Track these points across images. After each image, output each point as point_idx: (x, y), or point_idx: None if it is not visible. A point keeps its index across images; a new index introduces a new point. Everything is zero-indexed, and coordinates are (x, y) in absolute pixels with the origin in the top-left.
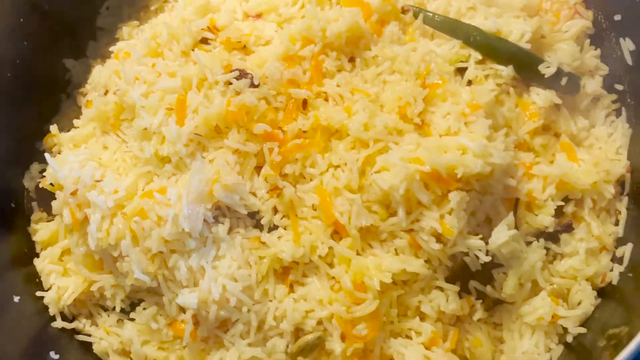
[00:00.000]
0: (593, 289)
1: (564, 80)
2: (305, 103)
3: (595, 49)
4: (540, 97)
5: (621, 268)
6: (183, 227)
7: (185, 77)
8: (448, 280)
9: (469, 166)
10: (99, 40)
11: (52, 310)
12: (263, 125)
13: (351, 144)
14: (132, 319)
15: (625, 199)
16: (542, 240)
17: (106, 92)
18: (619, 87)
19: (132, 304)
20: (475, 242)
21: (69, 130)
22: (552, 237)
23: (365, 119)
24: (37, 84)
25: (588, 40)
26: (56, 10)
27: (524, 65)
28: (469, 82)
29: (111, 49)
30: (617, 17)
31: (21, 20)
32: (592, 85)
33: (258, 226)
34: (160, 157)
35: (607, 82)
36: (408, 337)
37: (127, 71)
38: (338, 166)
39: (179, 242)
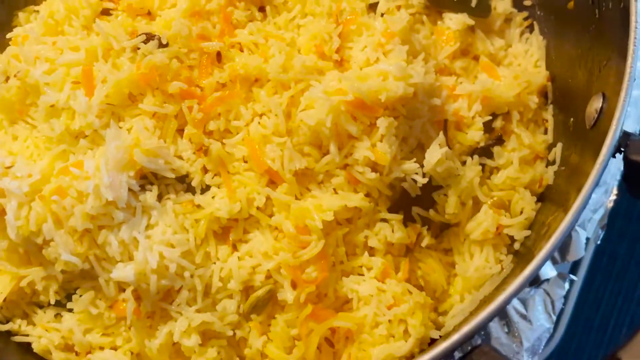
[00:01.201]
0: (532, 195)
1: (473, 2)
2: (219, 56)
3: None
4: (453, 21)
5: (555, 167)
6: (106, 197)
7: (89, 49)
8: (391, 210)
9: (392, 89)
10: None
11: None
12: (178, 84)
13: (272, 88)
14: (70, 310)
15: (550, 107)
16: (476, 156)
17: (7, 79)
18: (527, 2)
19: (68, 295)
20: (411, 165)
21: None
22: (485, 152)
23: (282, 60)
24: None
25: None
26: None
27: None
28: (382, 15)
29: (8, 35)
30: None
31: None
32: (502, 5)
33: (190, 189)
34: (73, 132)
35: (516, 1)
36: (360, 274)
37: (26, 52)
38: (263, 114)
39: (106, 215)
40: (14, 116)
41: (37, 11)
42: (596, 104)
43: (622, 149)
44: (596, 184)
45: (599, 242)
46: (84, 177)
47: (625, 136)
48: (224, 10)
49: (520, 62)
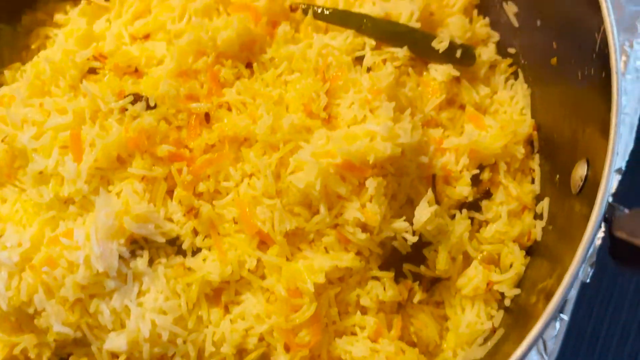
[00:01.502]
0: (521, 249)
1: (458, 53)
2: (207, 116)
3: (484, 18)
4: (438, 72)
5: (542, 223)
6: (97, 267)
7: (76, 111)
8: (382, 268)
9: (379, 150)
10: None
11: None
12: (167, 147)
13: (261, 149)
14: None
15: (537, 156)
16: (464, 211)
17: None
18: (512, 50)
19: None
20: (400, 224)
21: None
22: (474, 206)
23: (270, 121)
24: None
25: (476, 11)
26: None
27: (418, 44)
28: (369, 69)
29: None
30: None
31: None
32: (486, 53)
33: (180, 252)
34: (62, 199)
35: (501, 48)
36: (353, 333)
37: (13, 115)
38: (252, 174)
39: (97, 284)
40: (2, 179)
41: (24, 70)
42: (581, 170)
43: (607, 222)
44: (584, 259)
45: (588, 280)
46: (74, 247)
47: (610, 208)
48: (211, 69)
49: (505, 110)
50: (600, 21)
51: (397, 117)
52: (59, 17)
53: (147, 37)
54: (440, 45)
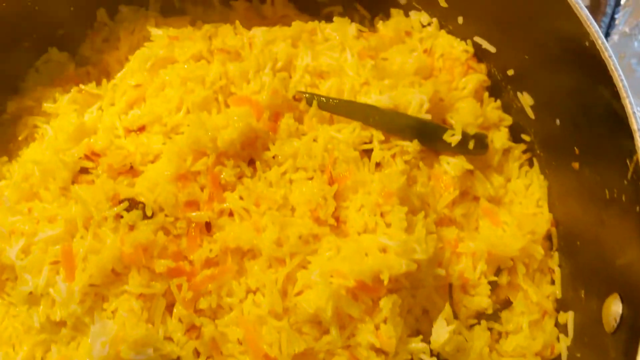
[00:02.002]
0: None
1: (471, 144)
2: (208, 225)
3: (495, 100)
4: (450, 165)
5: (567, 341)
6: None
7: (67, 219)
8: None
9: (394, 267)
10: None
11: None
12: (165, 262)
13: (266, 262)
14: None
15: (556, 255)
16: (483, 321)
17: None
18: (526, 137)
19: None
20: (417, 345)
21: None
22: (493, 316)
23: (276, 234)
24: None
25: (487, 93)
26: None
27: (429, 136)
28: (377, 165)
29: None
30: (511, 72)
31: None
32: (499, 139)
33: None
34: (54, 322)
35: (514, 133)
36: None
37: (0, 227)
38: (257, 289)
39: None
40: None
41: (11, 165)
42: (615, 307)
43: None
44: None
45: None
46: None
47: None
48: (212, 171)
49: (521, 201)
50: (634, 149)
51: (409, 220)
52: (47, 105)
53: (141, 129)
54: (453, 138)
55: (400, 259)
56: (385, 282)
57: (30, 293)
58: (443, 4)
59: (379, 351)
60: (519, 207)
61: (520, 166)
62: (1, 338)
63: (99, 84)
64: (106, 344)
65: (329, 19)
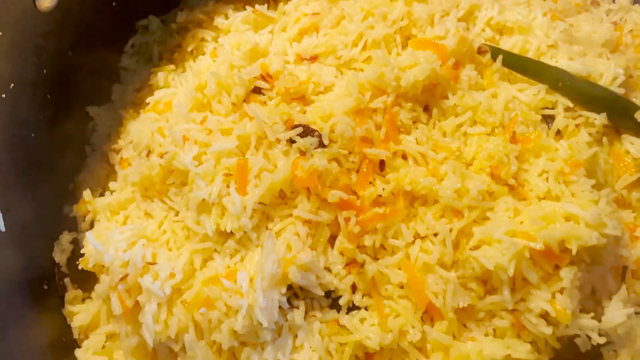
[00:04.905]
0: None
1: None
2: (382, 163)
3: None
4: (634, 146)
5: None
6: (259, 319)
7: (241, 136)
8: None
9: (583, 238)
10: (125, 84)
11: None
12: (338, 193)
13: (440, 211)
14: None
15: None
16: None
17: (149, 153)
18: None
19: None
20: (588, 322)
21: (101, 193)
22: None
23: (457, 184)
24: (58, 137)
25: None
26: (81, 55)
27: (618, 112)
28: (558, 132)
29: (148, 99)
30: None
31: (44, 71)
32: None
33: (334, 306)
34: (220, 231)
35: None
36: None
37: (174, 130)
38: (425, 237)
39: (252, 334)
40: (152, 194)
41: (175, 70)
42: None
43: None
44: None
45: None
46: (236, 292)
47: None
48: (390, 111)
49: None
50: None
51: (596, 200)
52: (219, 20)
53: (314, 58)
54: None
55: (591, 231)
56: (574, 252)
57: (203, 200)
58: None
59: (548, 320)
60: None
61: None
62: (161, 240)
63: (270, 7)
64: (275, 262)
65: None
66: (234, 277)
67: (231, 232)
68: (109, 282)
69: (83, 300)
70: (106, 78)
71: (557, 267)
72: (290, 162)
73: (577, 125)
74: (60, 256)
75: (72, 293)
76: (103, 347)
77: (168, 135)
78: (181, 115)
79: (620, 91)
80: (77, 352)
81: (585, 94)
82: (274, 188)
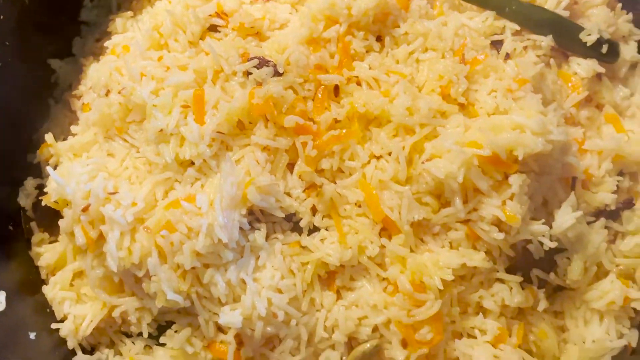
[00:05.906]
0: None
1: (604, 48)
2: (336, 89)
3: (627, 13)
4: (581, 67)
5: None
6: (220, 237)
7: (198, 70)
8: (508, 270)
9: (529, 145)
10: (85, 37)
11: (70, 344)
12: (295, 118)
13: (394, 130)
14: (162, 344)
15: None
16: (602, 219)
17: (107, 93)
18: None
19: (159, 327)
20: (540, 227)
21: (64, 139)
22: (613, 215)
23: (408, 102)
24: (21, 89)
25: (620, 5)
26: (37, 3)
27: (564, 34)
28: (507, 55)
29: (106, 44)
30: None
31: (0, 17)
32: (628, 51)
33: (296, 229)
34: (180, 161)
35: None
36: (471, 336)
37: (132, 67)
38: (380, 156)
39: (214, 254)
40: (112, 133)
41: (136, 19)
42: None
43: None
44: None
45: None
46: (196, 213)
47: None
48: (343, 40)
49: None
50: None
51: (544, 112)
52: None
53: None
54: (589, 38)
55: (537, 137)
56: (520, 158)
57: (161, 131)
58: None
59: (500, 227)
60: None
61: None
62: (123, 176)
63: None
64: (235, 184)
65: None
66: (194, 200)
67: (192, 162)
68: (72, 216)
69: (50, 244)
70: (67, 33)
71: (507, 177)
72: (247, 92)
73: (524, 48)
74: (25, 200)
75: (38, 236)
76: (71, 285)
77: (125, 74)
78: (138, 53)
79: (565, 14)
80: (45, 289)
81: (531, 18)
82: (231, 117)
